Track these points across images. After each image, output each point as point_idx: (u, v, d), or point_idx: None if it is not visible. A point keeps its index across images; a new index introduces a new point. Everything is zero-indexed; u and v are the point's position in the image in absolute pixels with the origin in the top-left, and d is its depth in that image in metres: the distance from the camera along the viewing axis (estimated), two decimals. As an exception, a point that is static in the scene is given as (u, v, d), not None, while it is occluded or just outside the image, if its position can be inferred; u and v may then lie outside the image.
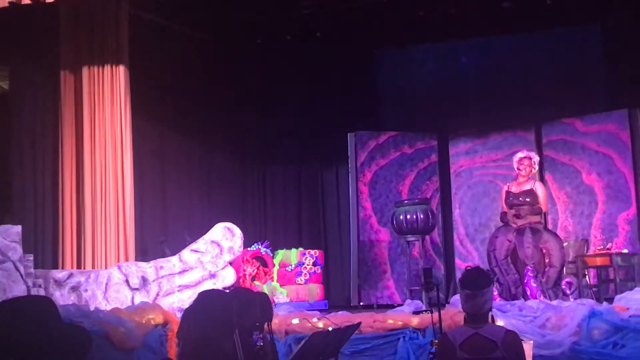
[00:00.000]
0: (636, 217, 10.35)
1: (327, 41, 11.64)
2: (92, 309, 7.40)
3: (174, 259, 8.74)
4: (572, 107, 11.24)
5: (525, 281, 8.41)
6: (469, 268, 4.68)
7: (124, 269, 8.48)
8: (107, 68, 9.43)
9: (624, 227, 10.42)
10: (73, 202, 9.33)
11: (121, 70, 9.42)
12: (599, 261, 9.25)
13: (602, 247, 9.73)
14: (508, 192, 9.07)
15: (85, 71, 9.43)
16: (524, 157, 9.15)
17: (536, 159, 9.37)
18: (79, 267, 9.07)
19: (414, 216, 9.83)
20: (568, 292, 8.71)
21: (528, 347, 4.65)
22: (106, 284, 8.34)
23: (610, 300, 7.51)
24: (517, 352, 4.11)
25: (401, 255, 11.07)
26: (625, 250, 9.72)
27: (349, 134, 11.70)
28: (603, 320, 6.56)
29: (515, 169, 9.15)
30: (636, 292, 7.10)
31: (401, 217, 9.89)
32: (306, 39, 11.57)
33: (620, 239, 10.36)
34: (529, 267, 8.42)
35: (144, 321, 6.91)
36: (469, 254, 11.53)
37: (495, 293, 8.46)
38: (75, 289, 8.32)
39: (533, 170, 9.21)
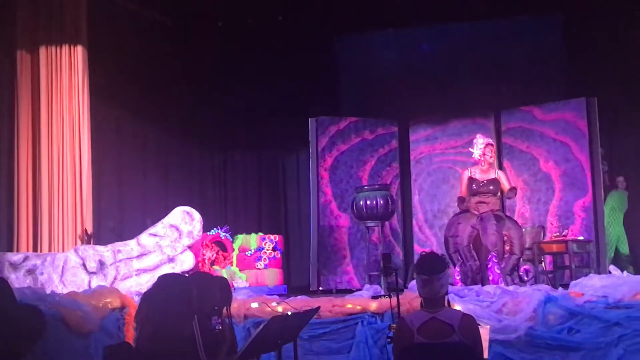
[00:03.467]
0: (592, 205, 10.51)
1: (289, 26, 11.60)
2: (48, 292, 7.30)
3: (132, 242, 8.66)
4: (531, 95, 11.34)
5: (489, 267, 8.46)
6: (425, 253, 4.71)
7: (81, 253, 8.38)
8: (65, 48, 9.29)
9: (579, 214, 10.58)
10: (29, 185, 9.18)
11: (79, 50, 9.29)
12: (555, 248, 9.37)
13: (558, 234, 9.85)
14: (471, 179, 9.03)
15: (42, 51, 9.27)
16: (489, 144, 9.16)
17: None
18: (35, 250, 8.95)
19: (374, 202, 9.86)
20: (525, 278, 8.82)
21: (484, 332, 4.69)
22: (63, 267, 8.24)
23: (565, 286, 7.61)
24: (473, 336, 4.15)
25: (361, 241, 11.11)
26: (580, 237, 9.86)
27: (309, 119, 11.68)
28: (558, 306, 6.65)
29: (480, 154, 9.05)
30: (591, 278, 7.19)
31: (361, 202, 9.91)
32: (267, 23, 11.51)
33: (576, 226, 10.52)
34: (493, 254, 8.48)
35: (101, 305, 6.83)
36: (428, 240, 11.62)
37: (458, 278, 8.56)
38: (31, 272, 8.21)
39: (494, 155, 9.25)
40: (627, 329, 6.31)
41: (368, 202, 9.87)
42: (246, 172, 12.84)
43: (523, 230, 9.30)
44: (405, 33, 12.30)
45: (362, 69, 12.48)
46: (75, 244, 8.87)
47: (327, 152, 11.67)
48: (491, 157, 9.13)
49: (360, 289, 8.59)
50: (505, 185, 9.00)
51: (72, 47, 9.28)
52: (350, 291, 9.15)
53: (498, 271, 8.39)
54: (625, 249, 10.42)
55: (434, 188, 11.77)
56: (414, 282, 7.18)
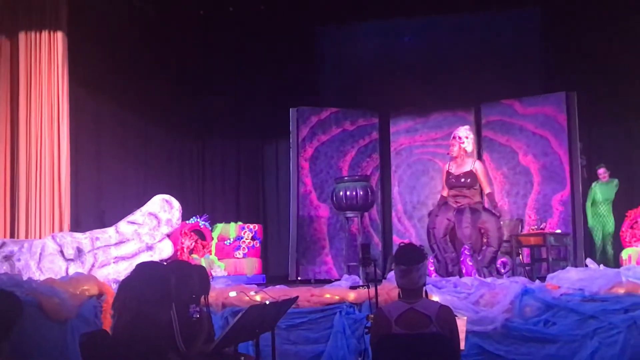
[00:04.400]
0: (570, 198, 10.59)
1: (271, 15, 11.55)
2: (25, 279, 7.26)
3: (111, 230, 8.62)
4: (511, 89, 11.39)
5: (461, 259, 8.55)
6: (404, 244, 4.73)
7: (59, 239, 8.33)
8: (45, 34, 9.20)
9: (557, 207, 10.66)
10: (7, 171, 9.11)
11: (59, 37, 9.21)
12: (532, 240, 9.44)
13: (536, 227, 9.92)
14: (448, 173, 9.11)
15: (22, 36, 9.19)
16: (454, 136, 9.08)
17: (465, 134, 9.15)
18: (12, 236, 8.89)
19: (354, 193, 9.88)
20: (502, 271, 8.87)
21: (462, 323, 4.71)
22: (40, 254, 8.18)
23: (542, 278, 7.66)
24: (450, 327, 4.18)
25: (340, 231, 11.12)
26: (558, 231, 9.94)
27: (290, 109, 11.67)
28: (535, 298, 6.69)
29: (458, 141, 9.05)
30: (568, 271, 7.24)
31: (341, 193, 9.92)
32: (249, 12, 11.46)
33: (554, 219, 10.60)
34: (465, 246, 8.56)
35: (78, 292, 6.80)
36: (407, 231, 11.66)
37: (432, 268, 8.60)
38: (7, 258, 8.14)
39: (462, 147, 9.06)
40: (603, 322, 6.36)
41: (348, 193, 9.88)
42: (225, 162, 12.81)
43: (501, 223, 9.35)
44: (387, 25, 12.30)
45: (344, 59, 12.47)
46: (53, 231, 8.81)
47: (307, 143, 11.66)
48: (454, 149, 9.05)
49: (338, 279, 8.60)
50: (483, 181, 9.01)
51: (52, 33, 9.20)
52: (328, 281, 9.17)
53: (471, 263, 8.45)
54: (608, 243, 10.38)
55: (413, 180, 11.81)
56: (392, 272, 7.21)
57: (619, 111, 11.03)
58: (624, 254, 9.68)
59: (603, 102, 10.98)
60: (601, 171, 10.34)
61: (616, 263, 9.52)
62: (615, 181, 10.30)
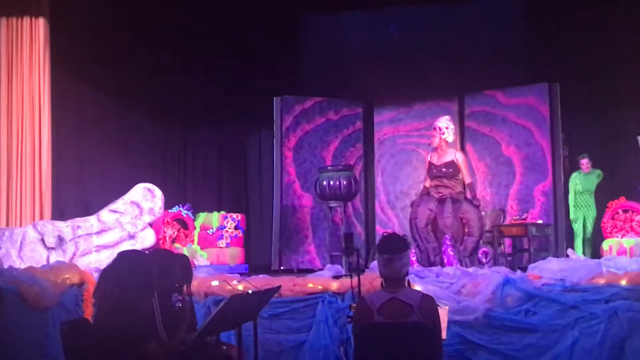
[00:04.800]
0: (551, 189, 10.64)
1: (255, 3, 11.49)
2: (5, 267, 7.21)
3: (92, 218, 8.58)
4: (495, 80, 11.40)
5: (442, 249, 8.60)
6: (387, 233, 4.75)
7: (40, 228, 8.28)
8: (26, 20, 9.12)
9: (539, 198, 10.72)
10: (-13, 159, 9.04)
11: (41, 22, 9.13)
12: (514, 231, 9.48)
13: (518, 217, 9.96)
14: (430, 163, 9.17)
15: (2, 22, 9.10)
16: (435, 127, 9.13)
17: (445, 125, 9.20)
18: (-8, 224, 8.83)
19: (337, 182, 9.88)
20: (484, 260, 8.92)
21: (443, 313, 4.73)
22: (21, 242, 8.13)
23: (524, 269, 7.70)
24: (432, 316, 4.19)
25: (323, 221, 11.11)
26: (540, 221, 9.98)
27: (274, 98, 11.63)
28: (516, 288, 6.73)
29: (438, 132, 9.09)
30: (549, 261, 7.29)
31: (324, 182, 9.92)
32: (234, 0, 11.40)
33: (536, 209, 10.65)
34: (447, 236, 8.62)
35: (59, 280, 6.76)
36: (390, 221, 11.68)
37: (414, 258, 8.63)
38: (-12, 246, 8.09)
39: (442, 137, 9.09)
40: (584, 312, 6.42)
41: (331, 183, 9.88)
42: (208, 151, 12.75)
43: (483, 213, 9.39)
44: (372, 14, 12.25)
45: (328, 49, 12.42)
46: (34, 219, 8.75)
47: (291, 132, 11.64)
48: (434, 140, 9.10)
49: (321, 269, 8.62)
50: (464, 173, 9.06)
51: (33, 20, 9.11)
52: (311, 271, 9.17)
53: (452, 253, 8.50)
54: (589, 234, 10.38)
55: (396, 170, 11.82)
56: (375, 262, 7.22)
57: (601, 103, 11.07)
58: (605, 245, 9.75)
59: (586, 93, 11.00)
60: (584, 162, 10.29)
61: (597, 253, 9.59)
62: (598, 172, 10.29)
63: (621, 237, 9.80)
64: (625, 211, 10.11)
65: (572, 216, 10.36)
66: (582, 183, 10.25)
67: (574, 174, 10.37)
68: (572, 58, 10.89)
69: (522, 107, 11.05)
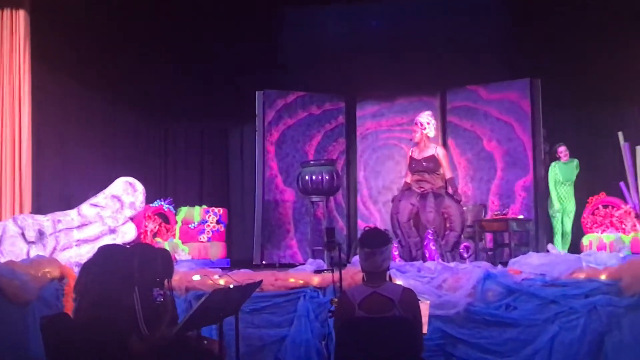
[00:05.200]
0: (532, 184, 10.69)
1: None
2: (-15, 261, 7.17)
3: (73, 212, 8.54)
4: (477, 75, 11.43)
5: (425, 244, 8.63)
6: (369, 228, 4.77)
7: (20, 222, 8.22)
8: (7, 12, 9.03)
9: (520, 193, 10.77)
10: (-34, 152, 8.96)
11: (21, 15, 9.04)
12: (495, 226, 9.53)
13: (499, 212, 10.00)
14: (411, 158, 9.22)
15: (-18, 14, 9.02)
16: (417, 122, 9.19)
17: (427, 120, 9.24)
18: (-28, 218, 8.75)
19: (319, 177, 9.89)
20: (465, 255, 8.96)
21: (425, 307, 4.75)
22: (1, 236, 8.07)
23: (504, 263, 7.73)
24: (413, 310, 4.21)
25: (305, 215, 11.12)
26: (520, 216, 10.03)
27: (257, 92, 11.61)
28: (497, 283, 6.76)
29: (420, 127, 9.15)
30: (529, 256, 7.32)
31: (307, 177, 9.92)
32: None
33: (517, 205, 10.71)
34: (429, 231, 8.65)
35: (39, 275, 6.72)
36: (372, 216, 11.70)
37: (396, 253, 8.66)
38: (-33, 240, 8.03)
39: (423, 133, 9.16)
40: (563, 307, 6.45)
41: (313, 177, 9.89)
42: (190, 145, 12.71)
43: (464, 208, 9.43)
44: (354, 8, 12.25)
45: (311, 43, 12.38)
46: (14, 213, 8.69)
47: (273, 126, 11.62)
48: (415, 135, 9.16)
49: (303, 264, 8.62)
50: (445, 168, 9.11)
51: (13, 12, 9.02)
52: (293, 265, 9.18)
53: (434, 248, 8.53)
54: (568, 226, 10.29)
55: (379, 164, 11.84)
56: (356, 257, 7.24)
57: (583, 98, 11.13)
58: (585, 240, 9.81)
59: (567, 89, 11.06)
60: (562, 149, 10.18)
61: (577, 249, 9.65)
62: (575, 161, 10.21)
63: (601, 233, 9.87)
64: (605, 206, 10.18)
65: (555, 207, 10.14)
66: (562, 172, 10.10)
67: (553, 164, 10.22)
68: (554, 54, 10.93)
69: (503, 103, 11.10)
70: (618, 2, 10.49)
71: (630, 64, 10.20)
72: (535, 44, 11.07)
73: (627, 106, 11.14)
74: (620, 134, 10.24)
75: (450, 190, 9.07)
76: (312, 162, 10.47)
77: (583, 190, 10.44)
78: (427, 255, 8.50)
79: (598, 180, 10.82)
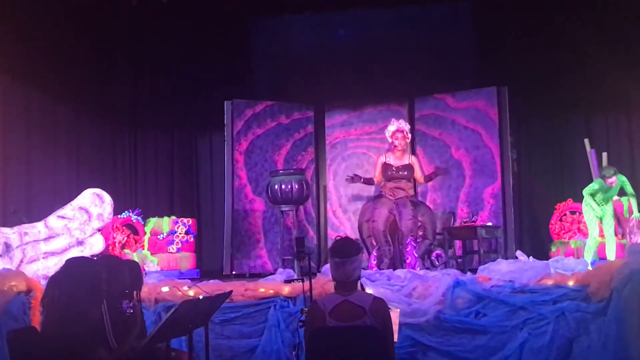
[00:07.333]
0: (500, 192, 10.78)
1: (204, 5, 11.42)
2: (-51, 275, 7.04)
3: (40, 225, 8.43)
4: (444, 83, 11.52)
5: (407, 250, 8.67)
6: (339, 237, 4.77)
7: (-14, 235, 8.11)
8: (-31, 21, 8.95)
9: (489, 200, 10.84)
10: None
11: (-16, 25, 8.96)
12: (464, 233, 9.58)
13: (467, 219, 10.06)
14: (386, 165, 9.26)
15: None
16: (397, 131, 9.37)
17: (407, 128, 9.56)
18: None
19: (289, 186, 9.88)
20: (437, 263, 9.00)
21: (395, 315, 4.75)
22: (-35, 249, 7.96)
23: (474, 270, 7.78)
24: (383, 319, 4.22)
25: (275, 225, 11.09)
26: (489, 223, 10.09)
27: (225, 101, 11.57)
28: (466, 290, 6.80)
29: (390, 141, 9.40)
30: (498, 263, 7.38)
31: (276, 186, 9.90)
32: (183, 2, 11.30)
33: (485, 212, 10.78)
34: (411, 237, 8.69)
35: (5, 288, 6.65)
36: (342, 225, 11.70)
37: (374, 262, 8.68)
38: None
39: (407, 141, 9.50)
40: (532, 313, 6.51)
41: (283, 187, 9.87)
42: (158, 155, 12.61)
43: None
44: (322, 18, 12.26)
45: (279, 52, 12.40)
46: (-21, 226, 8.58)
47: (242, 136, 11.59)
48: (401, 143, 9.34)
49: (273, 273, 8.60)
50: (418, 173, 9.25)
51: (-23, 22, 8.94)
52: (263, 275, 9.15)
53: (416, 255, 8.59)
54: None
55: (348, 173, 11.81)
56: (326, 266, 7.24)
57: (549, 105, 11.27)
58: (553, 247, 9.90)
59: (533, 96, 11.19)
60: (613, 180, 8.69)
61: (544, 254, 9.71)
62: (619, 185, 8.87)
63: (568, 239, 9.96)
64: (572, 213, 10.29)
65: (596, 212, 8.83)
66: (602, 192, 8.77)
67: (598, 180, 8.88)
68: (520, 62, 11.05)
69: (470, 111, 11.18)
70: (584, 12, 10.65)
71: (596, 72, 10.34)
72: (502, 53, 11.18)
73: (592, 113, 11.30)
74: (586, 141, 10.37)
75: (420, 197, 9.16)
76: (281, 171, 10.46)
77: (551, 197, 10.54)
78: (408, 261, 8.55)
79: (565, 186, 10.94)
